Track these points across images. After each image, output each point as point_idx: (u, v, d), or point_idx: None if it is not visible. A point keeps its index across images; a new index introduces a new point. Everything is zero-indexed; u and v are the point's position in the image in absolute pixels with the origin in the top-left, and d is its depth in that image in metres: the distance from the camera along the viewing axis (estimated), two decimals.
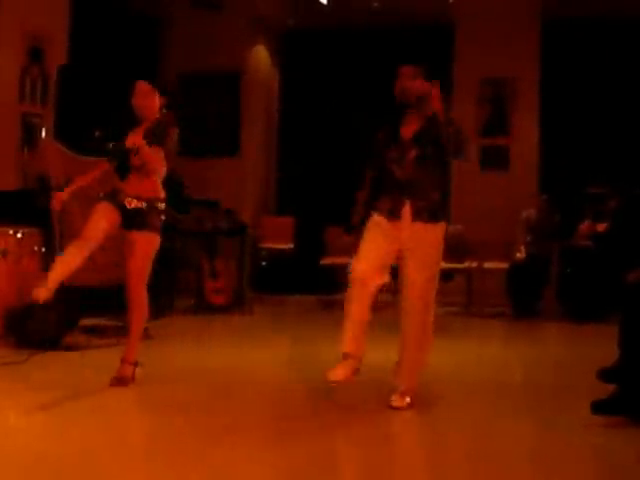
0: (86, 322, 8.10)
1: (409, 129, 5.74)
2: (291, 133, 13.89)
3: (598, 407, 5.12)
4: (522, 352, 8.29)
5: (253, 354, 7.63)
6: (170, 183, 6.69)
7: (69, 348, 7.34)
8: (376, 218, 5.75)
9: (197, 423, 5.14)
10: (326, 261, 11.58)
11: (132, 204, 6.06)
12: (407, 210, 5.65)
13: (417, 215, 5.64)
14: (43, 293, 5.77)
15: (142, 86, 6.19)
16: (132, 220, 6.05)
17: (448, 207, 5.83)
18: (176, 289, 10.54)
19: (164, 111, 6.22)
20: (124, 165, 6.16)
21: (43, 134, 9.74)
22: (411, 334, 5.67)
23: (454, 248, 10.66)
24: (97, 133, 9.64)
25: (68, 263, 5.91)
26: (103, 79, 10.23)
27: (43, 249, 8.00)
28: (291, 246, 12.58)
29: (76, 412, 5.32)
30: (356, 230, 6.02)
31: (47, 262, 8.00)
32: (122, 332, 8.02)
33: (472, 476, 4.27)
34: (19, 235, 7.75)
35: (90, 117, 9.74)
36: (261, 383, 6.42)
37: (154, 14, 13.27)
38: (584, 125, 12.21)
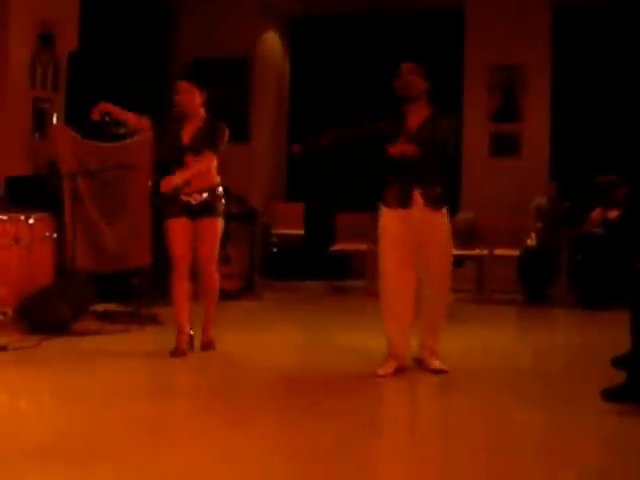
0: (97, 308, 8.11)
1: (414, 121, 6.10)
2: (301, 119, 13.87)
3: (609, 394, 5.12)
4: (533, 339, 8.29)
5: (262, 339, 7.63)
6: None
7: (80, 334, 7.36)
8: (386, 212, 6.12)
9: (207, 407, 5.16)
10: (336, 247, 11.59)
11: (197, 198, 6.64)
12: (417, 198, 6.01)
13: (426, 202, 6.02)
14: (185, 340, 6.68)
15: (182, 84, 6.70)
16: (199, 211, 6.65)
17: (447, 194, 6.23)
18: None
19: (205, 113, 6.80)
20: (181, 161, 6.68)
21: (54, 119, 9.75)
22: (433, 304, 6.12)
23: (465, 235, 10.68)
24: (107, 118, 9.66)
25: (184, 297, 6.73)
26: (113, 64, 10.24)
27: (55, 235, 8.01)
28: (301, 232, 12.58)
29: (86, 396, 5.33)
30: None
31: (59, 248, 8.05)
32: (132, 318, 8.11)
33: (482, 463, 4.27)
34: (31, 221, 7.76)
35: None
36: (270, 368, 6.43)
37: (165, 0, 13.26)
38: (595, 112, 12.15)
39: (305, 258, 12.46)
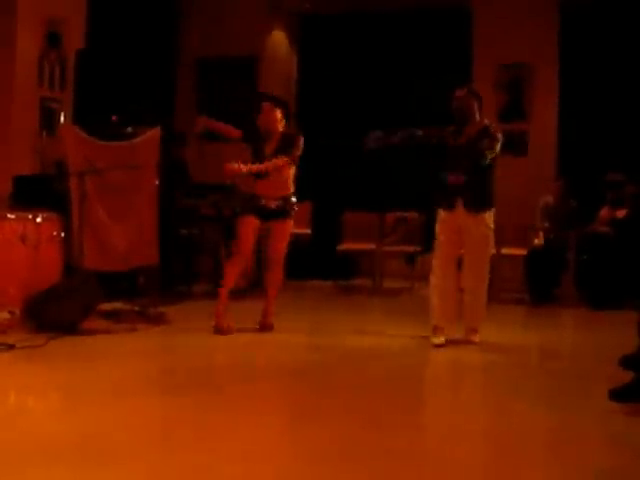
0: (104, 307, 8.12)
1: (464, 137, 7.20)
2: (309, 118, 13.86)
3: (616, 394, 5.11)
4: (539, 338, 8.28)
5: (269, 338, 7.65)
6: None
7: (87, 332, 7.37)
8: (441, 213, 7.28)
9: (215, 405, 5.16)
10: (343, 247, 11.58)
11: (271, 205, 7.63)
12: (460, 202, 7.15)
13: (467, 206, 7.13)
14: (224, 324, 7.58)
15: (265, 105, 7.71)
16: (272, 215, 7.65)
17: (492, 197, 7.32)
18: (193, 274, 10.55)
19: (285, 123, 7.70)
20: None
21: (62, 119, 9.77)
22: (472, 291, 7.46)
23: None
24: (114, 118, 9.69)
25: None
26: (121, 64, 10.25)
27: (62, 234, 8.02)
28: (308, 231, 12.56)
29: (94, 395, 5.34)
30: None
31: (67, 247, 8.06)
32: (139, 317, 8.12)
33: (487, 462, 4.27)
34: (38, 220, 7.76)
35: (108, 102, 9.78)
36: (279, 366, 6.44)
37: None
38: (603, 111, 12.12)
39: (312, 257, 12.44)
